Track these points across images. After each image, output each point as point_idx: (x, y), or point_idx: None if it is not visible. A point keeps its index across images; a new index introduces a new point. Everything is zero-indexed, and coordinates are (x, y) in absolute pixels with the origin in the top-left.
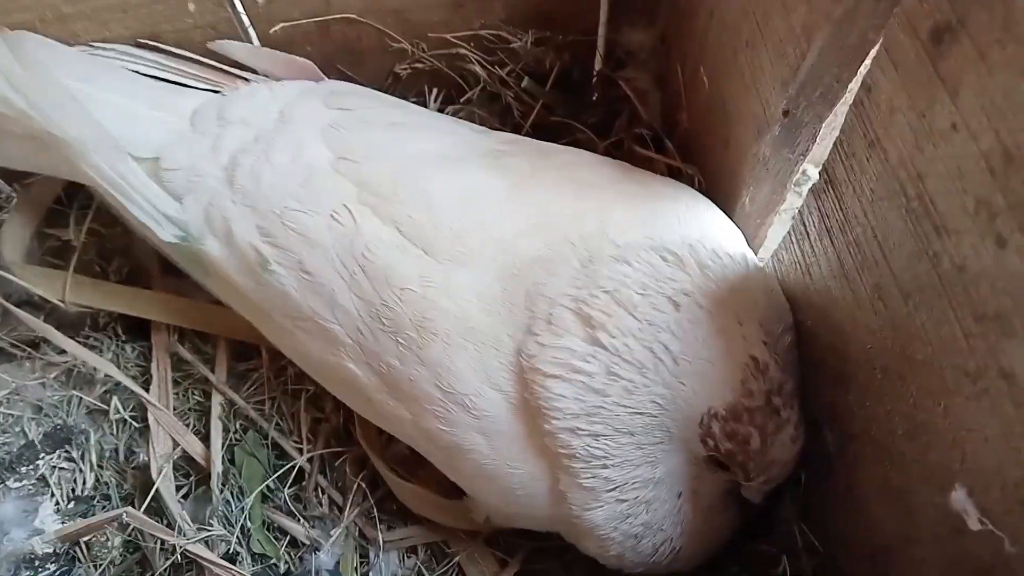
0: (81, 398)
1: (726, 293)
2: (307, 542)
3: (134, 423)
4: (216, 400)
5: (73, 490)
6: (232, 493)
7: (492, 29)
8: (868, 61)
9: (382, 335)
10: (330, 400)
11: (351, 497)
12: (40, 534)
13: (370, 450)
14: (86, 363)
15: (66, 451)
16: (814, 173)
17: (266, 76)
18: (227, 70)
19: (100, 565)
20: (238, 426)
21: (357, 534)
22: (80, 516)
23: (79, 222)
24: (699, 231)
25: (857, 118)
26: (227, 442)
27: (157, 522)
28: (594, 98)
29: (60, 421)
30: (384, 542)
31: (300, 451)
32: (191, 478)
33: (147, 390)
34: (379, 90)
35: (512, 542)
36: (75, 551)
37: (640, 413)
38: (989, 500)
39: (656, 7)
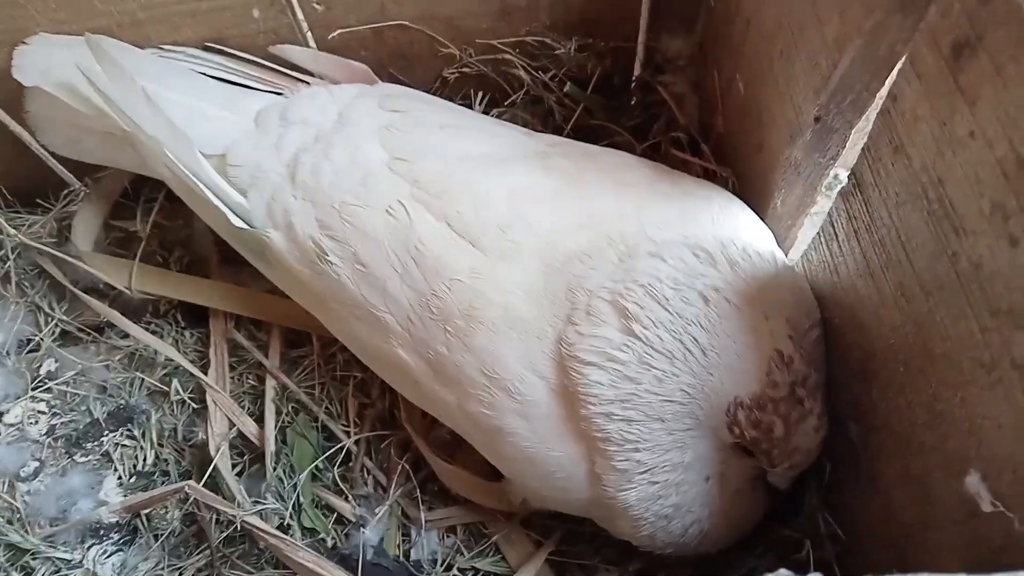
0: (143, 380)
1: (755, 290)
2: (353, 519)
3: (192, 404)
4: (270, 384)
5: (135, 466)
6: (284, 471)
7: (537, 36)
8: (895, 72)
9: (431, 323)
10: (376, 387)
11: (395, 478)
12: (104, 505)
13: (414, 433)
14: (148, 347)
15: (128, 429)
16: (843, 177)
17: (323, 79)
18: (288, 73)
19: (160, 536)
20: (290, 409)
21: (400, 513)
22: (140, 491)
23: (145, 215)
24: (731, 231)
25: (884, 125)
26: (279, 424)
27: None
28: (633, 102)
29: (123, 401)
30: (426, 521)
31: (348, 434)
32: (245, 456)
33: (205, 374)
34: (427, 93)
35: (547, 524)
36: (137, 522)
37: (670, 401)
38: (1001, 484)
39: (695, 17)
